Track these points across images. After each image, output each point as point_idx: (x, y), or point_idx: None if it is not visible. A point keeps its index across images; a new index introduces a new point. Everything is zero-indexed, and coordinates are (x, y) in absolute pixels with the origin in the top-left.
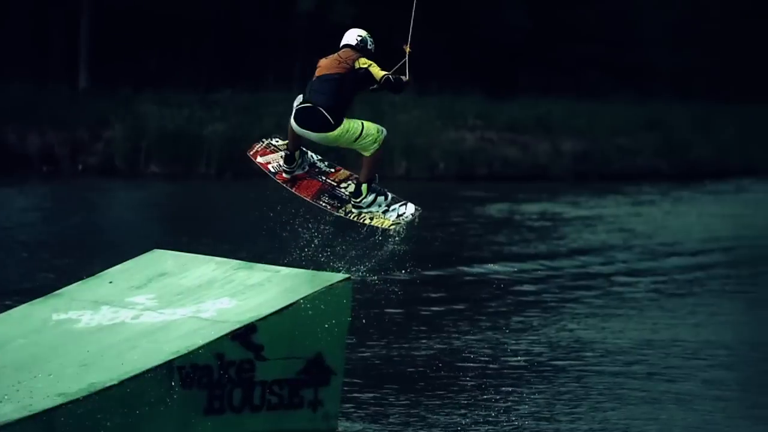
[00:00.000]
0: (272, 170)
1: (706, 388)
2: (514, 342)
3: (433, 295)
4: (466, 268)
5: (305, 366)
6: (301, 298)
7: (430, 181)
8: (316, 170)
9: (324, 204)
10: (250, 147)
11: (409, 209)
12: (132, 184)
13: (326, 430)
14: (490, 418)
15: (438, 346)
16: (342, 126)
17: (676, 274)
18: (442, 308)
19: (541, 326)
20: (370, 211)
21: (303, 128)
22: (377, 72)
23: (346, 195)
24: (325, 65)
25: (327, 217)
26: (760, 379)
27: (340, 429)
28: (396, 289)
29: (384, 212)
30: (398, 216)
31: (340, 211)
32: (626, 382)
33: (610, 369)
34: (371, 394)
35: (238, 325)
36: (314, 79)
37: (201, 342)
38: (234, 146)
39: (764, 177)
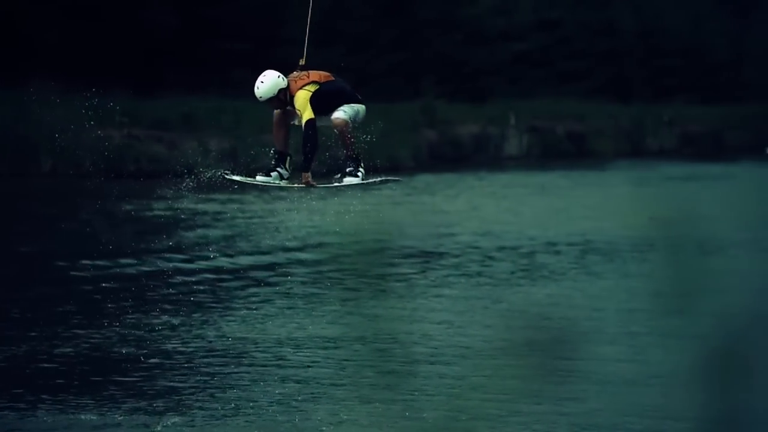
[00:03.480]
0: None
1: (351, 382)
2: (162, 339)
3: (67, 292)
4: (101, 264)
5: None
6: None
7: (77, 179)
8: None
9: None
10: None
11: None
12: None
13: None
14: (142, 415)
15: (82, 343)
16: None
17: (315, 269)
18: (79, 304)
19: (186, 324)
20: None
21: None
22: None
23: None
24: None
25: None
26: (385, 371)
27: None
28: (30, 286)
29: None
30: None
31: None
32: (273, 381)
33: (261, 366)
34: (19, 392)
35: None
36: (334, 80)
37: None
38: None
39: (405, 175)
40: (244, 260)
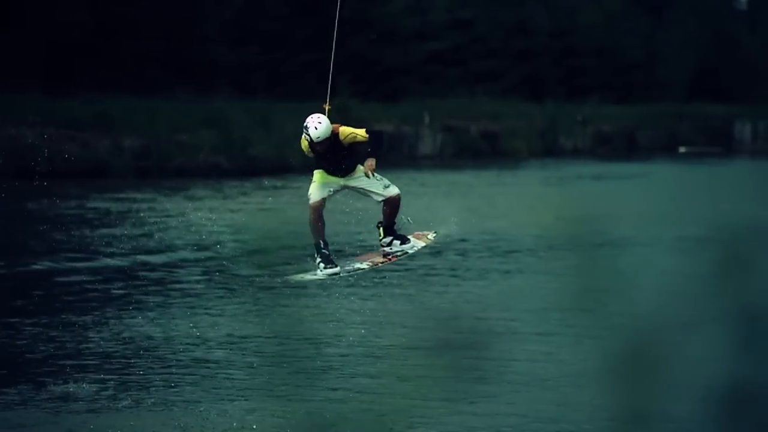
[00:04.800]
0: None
1: (264, 381)
2: (76, 339)
3: None
4: (8, 263)
5: None
6: None
7: None
8: None
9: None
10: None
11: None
12: None
13: None
14: (63, 414)
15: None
16: None
17: (226, 268)
18: None
19: (98, 324)
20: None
21: None
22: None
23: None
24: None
25: None
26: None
27: None
28: None
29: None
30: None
31: None
32: (187, 379)
33: (175, 364)
34: None
35: None
36: None
37: None
38: None
39: None
40: (155, 259)
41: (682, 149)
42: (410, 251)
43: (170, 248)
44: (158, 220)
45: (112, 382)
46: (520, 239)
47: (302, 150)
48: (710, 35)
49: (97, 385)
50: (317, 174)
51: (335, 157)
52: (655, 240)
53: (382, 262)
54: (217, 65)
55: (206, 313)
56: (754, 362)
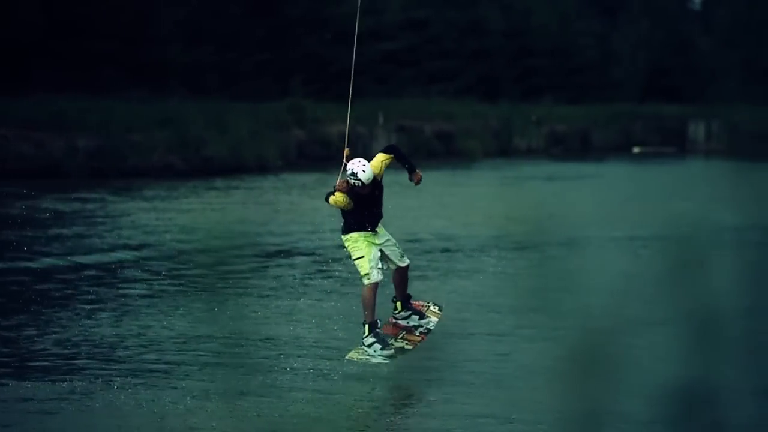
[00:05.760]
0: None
1: (213, 380)
2: (30, 341)
3: None
4: None
5: None
6: None
7: None
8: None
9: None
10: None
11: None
12: None
13: None
14: (21, 414)
15: None
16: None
17: (178, 267)
18: None
19: (52, 325)
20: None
21: None
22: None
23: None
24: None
25: None
26: (248, 369)
27: None
28: None
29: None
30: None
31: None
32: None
33: (130, 365)
34: None
35: None
36: None
37: None
38: None
39: (274, 173)
40: (107, 259)
41: (636, 149)
42: (431, 327)
43: (122, 248)
44: (110, 220)
45: (66, 384)
46: (473, 239)
47: (334, 206)
48: (664, 36)
49: (50, 386)
50: (360, 242)
51: (372, 198)
52: (608, 240)
53: (419, 341)
54: (171, 65)
55: (159, 313)
56: (706, 362)
